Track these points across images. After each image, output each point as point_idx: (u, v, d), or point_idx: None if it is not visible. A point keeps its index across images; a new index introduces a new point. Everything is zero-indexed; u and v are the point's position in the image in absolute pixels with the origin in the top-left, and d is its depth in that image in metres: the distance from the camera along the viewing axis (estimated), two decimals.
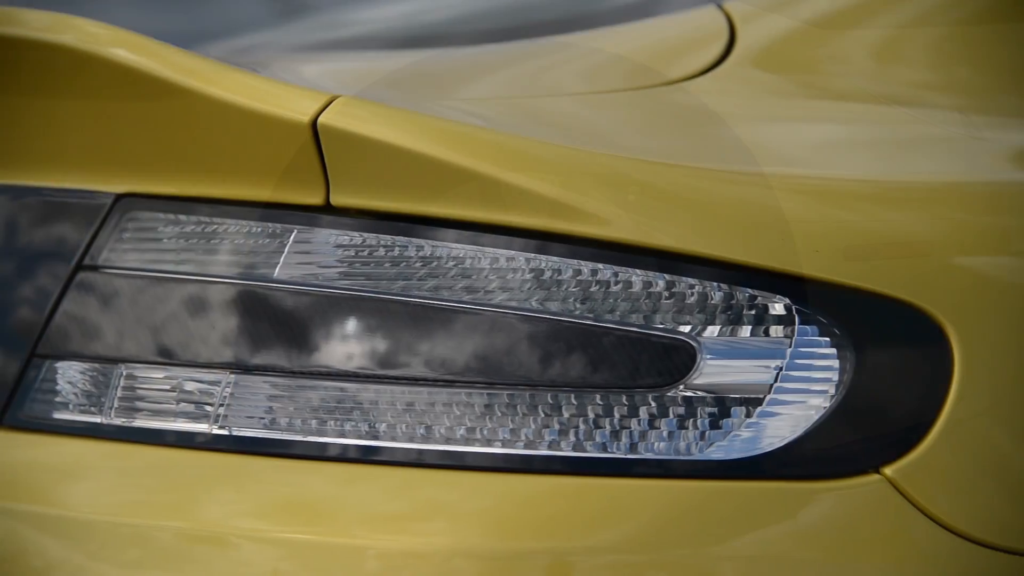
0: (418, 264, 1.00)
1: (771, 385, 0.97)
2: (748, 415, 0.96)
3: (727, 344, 0.97)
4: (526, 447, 0.97)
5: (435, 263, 1.00)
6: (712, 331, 0.97)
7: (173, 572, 0.97)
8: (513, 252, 0.99)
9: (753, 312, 0.97)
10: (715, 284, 0.97)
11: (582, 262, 0.98)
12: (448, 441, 0.98)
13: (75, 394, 1.06)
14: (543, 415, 0.97)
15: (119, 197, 1.07)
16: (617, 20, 1.40)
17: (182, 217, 1.05)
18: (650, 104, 1.21)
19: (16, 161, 1.11)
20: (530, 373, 0.97)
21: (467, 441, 0.98)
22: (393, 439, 0.98)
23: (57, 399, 1.06)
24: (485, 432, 0.98)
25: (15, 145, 1.11)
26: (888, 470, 0.96)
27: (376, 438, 0.99)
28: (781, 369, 0.97)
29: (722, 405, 0.96)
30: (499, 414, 0.98)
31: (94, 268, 1.06)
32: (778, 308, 0.97)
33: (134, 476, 1.03)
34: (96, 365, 1.05)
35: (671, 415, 0.97)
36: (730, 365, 0.97)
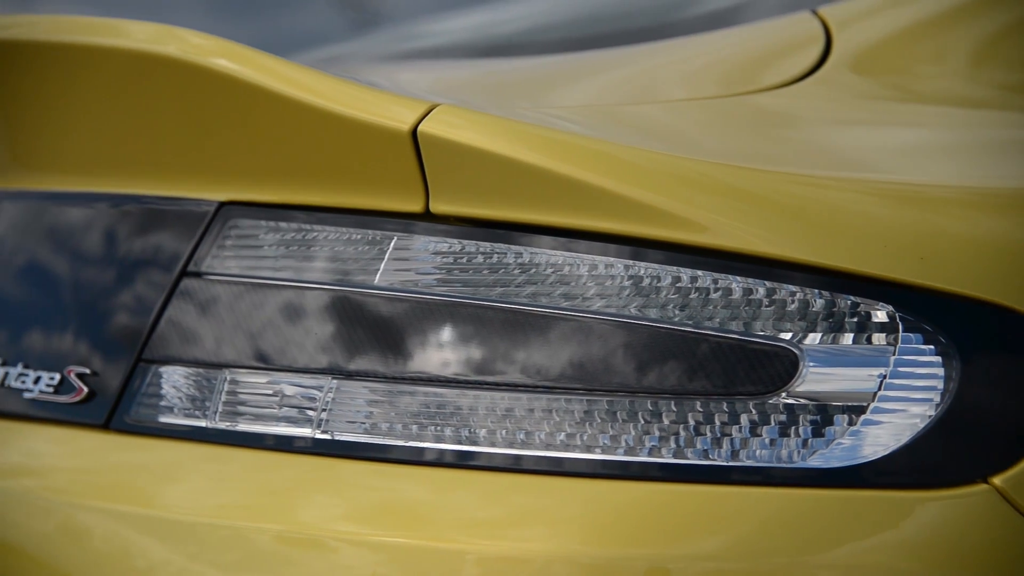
0: (516, 271, 1.00)
1: (874, 393, 0.95)
2: (851, 423, 0.95)
3: (829, 352, 0.96)
4: (625, 453, 0.97)
5: (533, 270, 1.00)
6: (814, 338, 0.96)
7: (272, 574, 0.98)
8: (611, 259, 0.99)
9: (856, 319, 0.96)
10: (816, 291, 0.97)
11: (681, 269, 0.98)
12: (546, 447, 0.98)
13: (180, 398, 1.07)
14: (643, 422, 0.97)
15: (221, 205, 1.08)
16: (713, 27, 1.40)
17: (283, 224, 1.07)
18: (747, 110, 1.20)
19: (123, 170, 1.13)
20: (629, 380, 0.97)
21: (565, 447, 0.98)
22: (491, 445, 0.99)
23: (162, 403, 1.08)
24: (584, 438, 0.98)
25: (123, 155, 1.13)
26: (997, 480, 0.95)
27: (474, 444, 0.99)
28: (885, 377, 0.95)
29: (824, 413, 0.96)
30: (598, 421, 0.98)
31: (197, 275, 1.08)
32: (881, 315, 0.96)
33: (236, 479, 1.04)
34: (200, 370, 1.07)
35: (772, 422, 0.96)
36: (833, 373, 0.96)
